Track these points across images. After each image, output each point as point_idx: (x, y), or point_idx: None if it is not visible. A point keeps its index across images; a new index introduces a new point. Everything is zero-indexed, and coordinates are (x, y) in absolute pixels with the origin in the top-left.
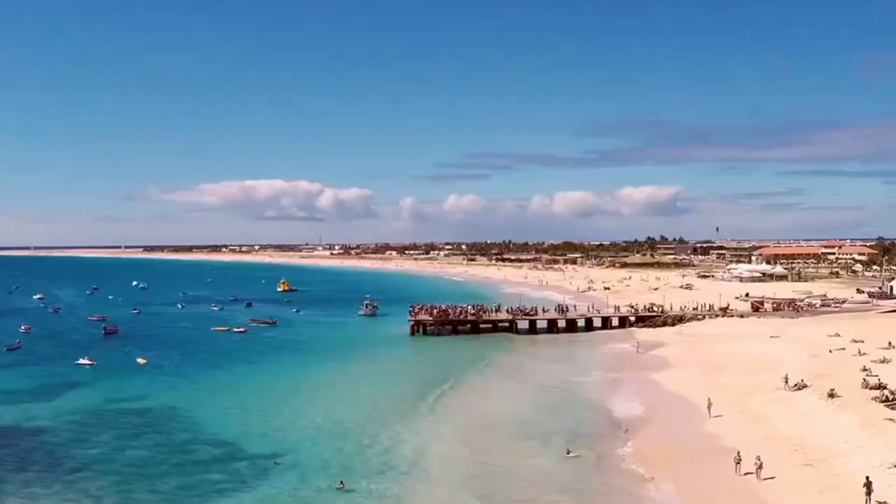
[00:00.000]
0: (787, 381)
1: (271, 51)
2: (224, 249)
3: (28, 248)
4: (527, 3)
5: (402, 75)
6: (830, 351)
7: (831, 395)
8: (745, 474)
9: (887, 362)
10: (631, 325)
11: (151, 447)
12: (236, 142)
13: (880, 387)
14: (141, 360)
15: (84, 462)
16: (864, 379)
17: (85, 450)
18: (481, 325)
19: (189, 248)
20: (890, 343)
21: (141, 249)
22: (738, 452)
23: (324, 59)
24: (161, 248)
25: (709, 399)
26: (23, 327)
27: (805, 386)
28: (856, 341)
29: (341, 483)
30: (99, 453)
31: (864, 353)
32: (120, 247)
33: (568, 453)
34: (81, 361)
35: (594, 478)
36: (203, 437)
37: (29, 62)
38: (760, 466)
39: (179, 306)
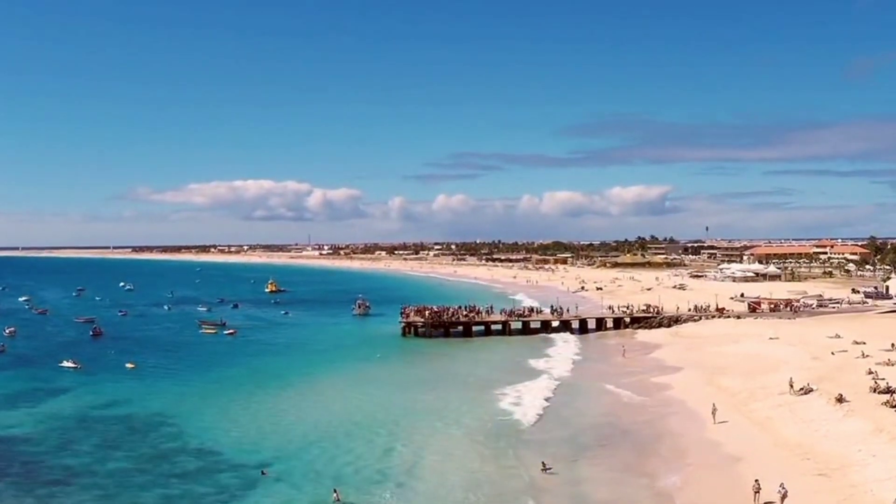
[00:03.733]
0: (791, 385)
1: (260, 52)
2: (213, 250)
3: (17, 249)
4: (514, 5)
5: (389, 76)
6: (832, 353)
7: (839, 399)
8: None
9: (892, 365)
10: (626, 326)
11: (134, 457)
12: (225, 142)
13: (889, 391)
14: (129, 365)
15: (62, 473)
16: (875, 382)
17: (64, 459)
18: (473, 328)
19: (178, 249)
20: (893, 345)
21: (129, 250)
22: (757, 481)
23: (312, 59)
24: (150, 249)
25: (713, 404)
26: (7, 330)
27: (811, 390)
28: (857, 343)
29: (335, 493)
30: (79, 463)
31: (867, 356)
32: (108, 247)
33: (545, 468)
34: (65, 364)
35: (596, 492)
36: (189, 445)
37: (17, 63)
38: (785, 496)
39: (166, 308)
